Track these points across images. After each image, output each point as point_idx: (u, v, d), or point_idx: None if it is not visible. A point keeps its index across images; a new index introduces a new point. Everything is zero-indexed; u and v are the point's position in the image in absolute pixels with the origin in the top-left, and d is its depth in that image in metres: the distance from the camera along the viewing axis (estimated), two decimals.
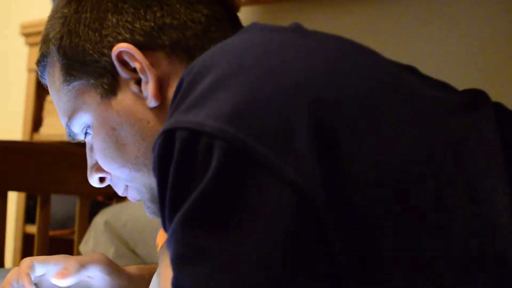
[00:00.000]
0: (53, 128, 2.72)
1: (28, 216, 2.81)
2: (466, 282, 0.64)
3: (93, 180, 0.93)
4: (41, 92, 2.77)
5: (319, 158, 0.62)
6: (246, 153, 0.62)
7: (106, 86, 0.85)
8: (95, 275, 1.01)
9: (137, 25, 0.85)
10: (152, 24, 0.85)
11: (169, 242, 0.65)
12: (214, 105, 0.64)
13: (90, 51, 0.86)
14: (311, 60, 0.68)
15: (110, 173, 0.91)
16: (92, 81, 0.86)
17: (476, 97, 0.76)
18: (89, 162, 0.92)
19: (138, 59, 0.83)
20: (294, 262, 0.62)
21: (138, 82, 0.85)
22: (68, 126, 0.91)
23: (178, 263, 0.64)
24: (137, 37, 0.85)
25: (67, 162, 1.69)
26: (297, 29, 0.76)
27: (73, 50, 0.87)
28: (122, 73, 0.85)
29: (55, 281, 0.97)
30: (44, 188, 1.71)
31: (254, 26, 0.78)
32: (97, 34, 0.86)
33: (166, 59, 0.85)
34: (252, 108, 0.64)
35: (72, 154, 1.71)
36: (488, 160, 0.67)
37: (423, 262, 0.64)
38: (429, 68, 0.89)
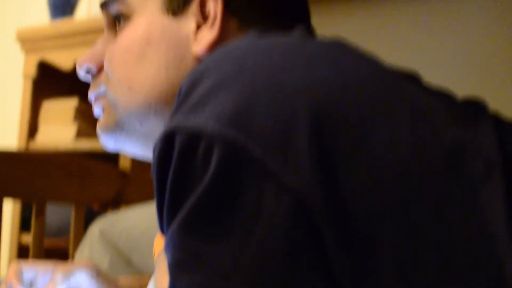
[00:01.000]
0: (49, 136, 2.72)
1: (24, 227, 2.80)
2: None
3: (82, 67, 0.90)
4: (37, 99, 2.77)
5: (318, 164, 0.62)
6: (245, 157, 0.61)
7: (174, 4, 0.84)
8: (82, 280, 1.00)
9: None
10: None
11: (167, 247, 0.64)
12: (214, 108, 0.63)
13: None
14: (312, 66, 0.67)
15: (101, 73, 0.89)
16: None
17: (476, 107, 0.76)
18: (93, 49, 0.90)
19: (217, 9, 0.83)
20: (292, 269, 0.62)
21: (198, 26, 0.84)
22: (107, 3, 0.88)
23: (175, 268, 0.64)
24: None
25: (63, 171, 1.68)
26: (299, 34, 0.76)
27: None
28: (195, 7, 0.84)
29: None
30: (40, 196, 1.71)
31: (255, 31, 0.78)
32: None
33: (236, 30, 0.84)
34: (252, 111, 0.63)
35: (68, 162, 1.71)
36: (487, 171, 0.66)
37: (421, 271, 0.63)
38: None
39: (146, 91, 0.84)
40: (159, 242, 0.90)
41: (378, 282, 0.63)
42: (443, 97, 0.76)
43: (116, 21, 0.88)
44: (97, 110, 0.90)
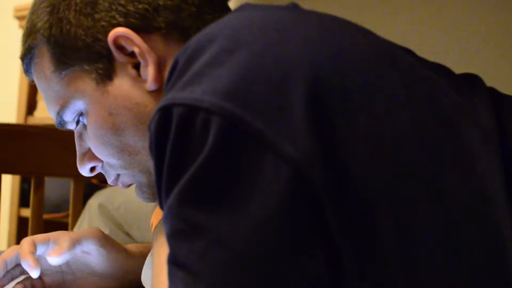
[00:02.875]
0: (47, 112, 2.71)
1: (23, 200, 2.81)
2: (462, 260, 0.65)
3: (85, 169, 0.92)
4: None
5: (316, 134, 0.63)
6: (243, 129, 0.62)
7: (101, 71, 0.84)
8: (90, 249, 1.00)
9: (131, 8, 0.83)
10: (146, 6, 0.84)
11: (165, 218, 0.65)
12: (211, 81, 0.64)
13: (83, 37, 0.84)
14: (308, 37, 0.68)
15: (102, 161, 0.90)
16: (86, 67, 0.84)
17: (472, 80, 0.76)
18: (79, 150, 0.91)
19: (136, 43, 0.82)
20: (290, 237, 0.62)
21: (135, 66, 0.84)
22: (59, 115, 0.89)
23: (174, 238, 0.64)
24: (132, 20, 0.83)
25: (61, 145, 1.68)
26: (294, 7, 0.76)
27: (64, 37, 0.85)
28: (119, 57, 0.83)
29: (50, 259, 0.96)
30: (38, 171, 1.71)
31: (249, 5, 0.77)
32: (89, 19, 0.84)
33: (162, 42, 0.84)
34: (249, 84, 0.64)
35: (66, 136, 1.71)
36: (483, 142, 0.67)
37: (420, 238, 0.64)
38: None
39: (143, 146, 0.85)
40: (156, 216, 0.91)
41: (378, 250, 0.64)
42: (439, 69, 0.77)
43: (77, 120, 0.89)
44: (123, 186, 0.92)
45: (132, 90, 0.84)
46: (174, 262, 0.64)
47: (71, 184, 1.77)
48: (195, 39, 0.69)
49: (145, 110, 0.84)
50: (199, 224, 0.62)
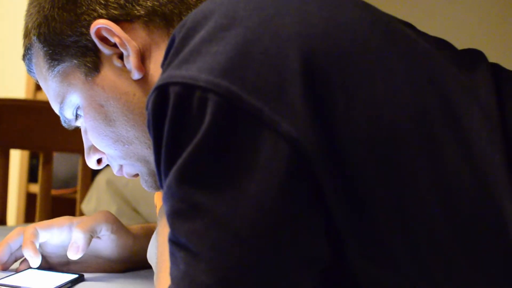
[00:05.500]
0: None
1: (31, 176, 2.82)
2: (463, 237, 0.64)
3: (91, 162, 0.92)
4: None
5: (314, 112, 0.62)
6: (240, 107, 0.61)
7: (89, 64, 0.85)
8: (102, 234, 1.01)
9: None
10: None
11: (165, 197, 0.65)
12: (207, 59, 0.63)
13: (69, 32, 0.85)
14: (305, 12, 0.67)
15: (105, 153, 0.91)
16: (75, 61, 0.86)
17: (474, 55, 0.75)
18: (86, 144, 0.92)
19: (116, 34, 0.83)
20: (290, 217, 0.62)
21: (121, 56, 0.84)
22: (61, 113, 0.91)
23: (173, 218, 0.64)
24: (112, 11, 0.84)
25: None
26: None
27: (52, 35, 0.86)
28: (104, 49, 0.84)
29: (70, 255, 0.97)
30: (47, 146, 1.71)
31: None
32: (72, 14, 0.85)
33: (144, 30, 0.84)
34: (245, 61, 0.63)
35: None
36: (483, 118, 0.67)
37: (421, 218, 0.64)
38: None
39: (135, 136, 0.86)
40: (160, 196, 0.91)
41: (378, 229, 0.64)
42: (440, 44, 0.76)
43: (76, 115, 0.90)
44: (128, 176, 0.93)
45: (118, 80, 0.85)
46: (174, 241, 0.64)
47: (80, 160, 1.78)
48: (191, 16, 0.68)
49: (133, 99, 0.84)
50: (198, 203, 0.62)
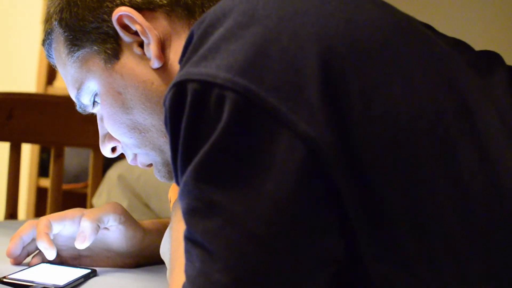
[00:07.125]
0: None
1: (42, 170, 2.83)
2: (478, 241, 0.64)
3: (106, 150, 0.93)
4: None
5: (330, 111, 0.62)
6: (258, 105, 0.61)
7: (109, 51, 0.86)
8: (110, 225, 1.01)
9: None
10: None
11: (181, 194, 0.65)
12: (226, 57, 0.63)
13: (90, 18, 0.86)
14: (324, 11, 0.67)
15: (120, 142, 0.91)
16: (95, 47, 0.86)
17: (491, 57, 0.75)
18: (101, 132, 0.93)
19: (138, 22, 0.83)
20: (306, 217, 0.62)
21: (141, 44, 0.85)
22: (77, 98, 0.91)
23: (189, 215, 0.64)
24: None
25: (81, 115, 1.68)
26: None
27: (73, 20, 0.87)
28: (124, 36, 0.85)
29: (77, 245, 0.97)
30: (58, 141, 1.71)
31: None
32: (94, 0, 0.86)
33: (166, 19, 0.85)
34: (264, 60, 0.63)
35: None
36: (500, 122, 0.66)
37: (432, 215, 0.64)
38: None
39: (152, 124, 0.86)
40: (174, 190, 0.91)
41: (392, 230, 0.63)
42: (459, 46, 0.76)
43: (94, 101, 0.90)
44: (142, 165, 0.93)
45: (137, 68, 0.85)
46: (190, 239, 0.64)
47: (91, 155, 1.77)
48: (211, 13, 0.68)
49: (151, 87, 0.85)
50: (214, 202, 0.62)
